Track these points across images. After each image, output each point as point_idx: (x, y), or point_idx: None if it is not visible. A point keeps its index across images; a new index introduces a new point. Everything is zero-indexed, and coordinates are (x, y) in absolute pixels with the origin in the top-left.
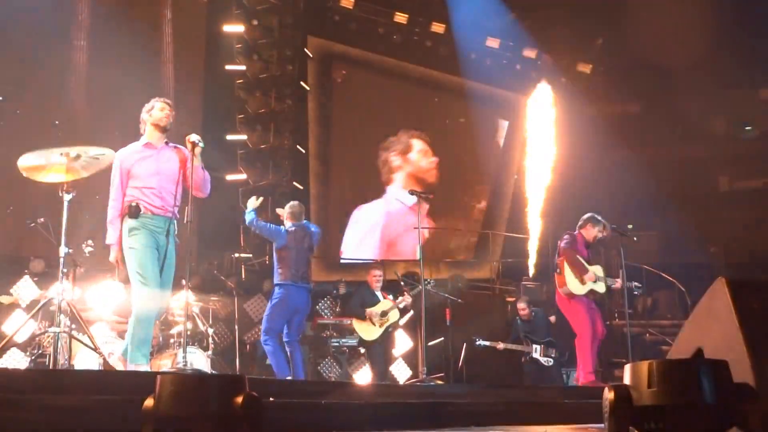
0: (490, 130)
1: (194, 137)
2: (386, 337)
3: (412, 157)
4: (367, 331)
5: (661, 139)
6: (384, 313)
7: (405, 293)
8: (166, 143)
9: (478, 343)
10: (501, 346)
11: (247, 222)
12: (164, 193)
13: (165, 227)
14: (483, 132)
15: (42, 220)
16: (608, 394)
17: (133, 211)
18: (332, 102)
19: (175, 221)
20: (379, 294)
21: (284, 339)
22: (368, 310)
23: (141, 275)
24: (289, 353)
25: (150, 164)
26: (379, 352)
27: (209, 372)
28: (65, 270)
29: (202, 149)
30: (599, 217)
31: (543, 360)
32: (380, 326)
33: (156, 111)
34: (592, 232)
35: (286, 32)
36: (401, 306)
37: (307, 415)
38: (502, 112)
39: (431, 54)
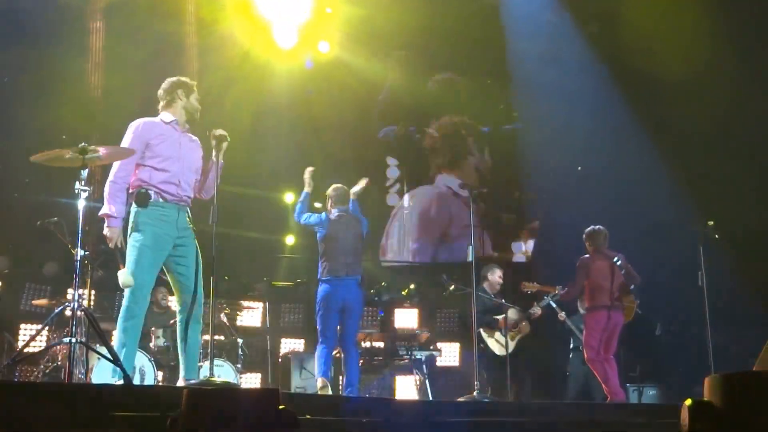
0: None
1: (221, 132)
2: (520, 351)
3: None
4: (499, 345)
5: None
6: (515, 324)
7: (534, 303)
8: (187, 130)
9: (545, 299)
10: (562, 316)
11: (296, 218)
12: (183, 182)
13: (177, 217)
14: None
15: (56, 219)
16: (686, 412)
17: (143, 199)
18: None
19: (189, 210)
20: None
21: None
22: (500, 319)
23: (134, 276)
24: (343, 358)
25: (172, 146)
26: (517, 367)
27: (238, 386)
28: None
29: (227, 145)
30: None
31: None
32: (512, 339)
33: (194, 99)
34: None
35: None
36: (531, 317)
37: None
38: (562, 96)
39: None
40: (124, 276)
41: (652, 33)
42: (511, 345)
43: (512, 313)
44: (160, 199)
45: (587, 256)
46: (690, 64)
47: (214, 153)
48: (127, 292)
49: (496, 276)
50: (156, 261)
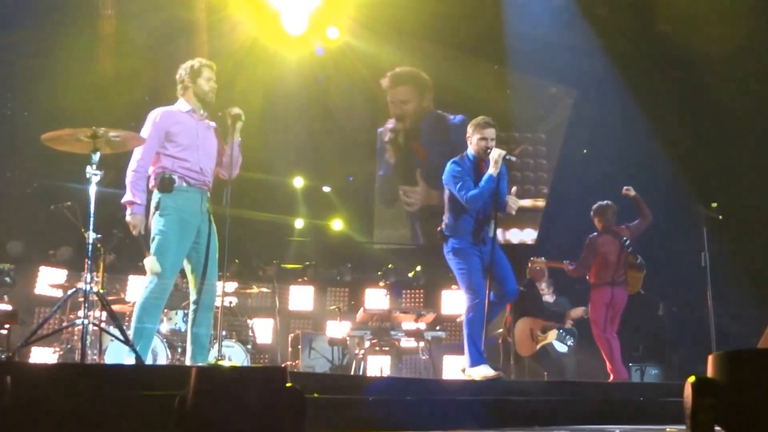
0: (553, 99)
1: (236, 110)
2: (543, 356)
3: None
4: (522, 344)
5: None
6: (545, 329)
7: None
8: (205, 117)
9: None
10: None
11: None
12: (205, 169)
13: (200, 201)
14: (545, 102)
15: (69, 203)
16: (689, 389)
17: (167, 184)
18: None
19: (209, 194)
20: (550, 297)
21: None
22: (532, 323)
23: (159, 262)
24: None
25: (191, 134)
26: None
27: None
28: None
29: (242, 124)
30: None
31: (557, 345)
32: (536, 342)
33: (203, 81)
34: None
35: None
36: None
37: (353, 412)
38: (566, 80)
39: None
40: (151, 263)
41: (659, 16)
42: (533, 348)
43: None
44: (184, 184)
45: (595, 234)
46: (700, 49)
47: (230, 132)
48: (151, 277)
49: (536, 262)
50: (182, 247)
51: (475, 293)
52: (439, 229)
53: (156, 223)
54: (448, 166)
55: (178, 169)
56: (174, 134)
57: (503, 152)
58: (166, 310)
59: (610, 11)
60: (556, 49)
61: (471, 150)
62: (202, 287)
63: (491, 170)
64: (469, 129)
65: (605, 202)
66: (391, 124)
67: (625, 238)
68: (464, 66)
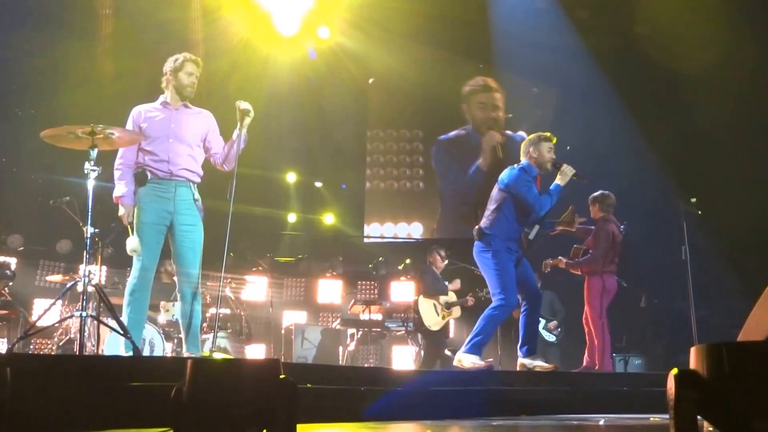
0: (537, 98)
1: (245, 105)
2: (444, 327)
3: None
4: (431, 319)
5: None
6: (449, 305)
7: (471, 295)
8: (185, 105)
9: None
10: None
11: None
12: (174, 158)
13: (174, 192)
14: (530, 101)
15: (68, 198)
16: (672, 381)
17: (140, 178)
18: None
19: (192, 185)
20: (440, 279)
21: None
22: (440, 298)
23: (138, 252)
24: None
25: (162, 126)
26: (437, 340)
27: (242, 357)
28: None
29: (250, 120)
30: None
31: (545, 335)
32: (442, 318)
33: (183, 75)
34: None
35: None
36: (464, 304)
37: (345, 402)
38: (550, 79)
39: None
40: (132, 242)
41: (641, 18)
42: (442, 323)
43: (451, 298)
44: (155, 177)
45: (605, 222)
46: (679, 49)
47: (238, 125)
48: (133, 267)
49: (442, 254)
50: (157, 237)
51: (508, 296)
52: (477, 226)
53: (135, 215)
54: (515, 171)
55: (148, 162)
56: (144, 128)
57: (573, 169)
58: (163, 302)
59: (592, 13)
60: (540, 50)
61: (530, 161)
62: (180, 277)
63: (560, 181)
64: (530, 144)
65: (605, 191)
66: (496, 137)
67: (622, 228)
68: (452, 66)
